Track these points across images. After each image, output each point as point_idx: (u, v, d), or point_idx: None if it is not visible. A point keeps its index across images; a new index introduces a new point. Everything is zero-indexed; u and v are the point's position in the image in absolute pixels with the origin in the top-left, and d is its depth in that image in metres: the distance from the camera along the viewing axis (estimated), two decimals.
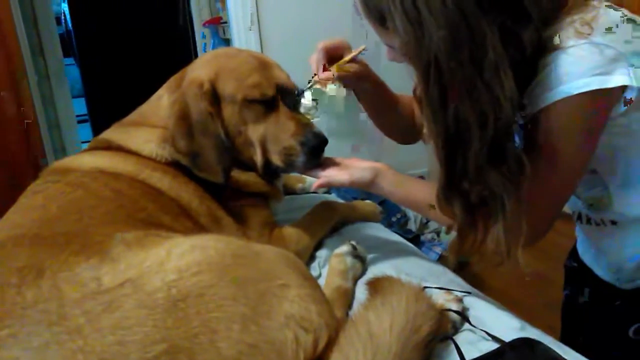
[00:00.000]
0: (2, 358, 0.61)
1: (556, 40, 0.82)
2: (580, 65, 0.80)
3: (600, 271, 1.15)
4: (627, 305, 1.08)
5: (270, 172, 1.17)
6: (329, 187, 1.39)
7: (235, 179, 1.15)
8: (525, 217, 0.84)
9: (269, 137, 1.13)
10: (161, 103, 1.16)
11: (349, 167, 1.10)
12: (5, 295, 0.67)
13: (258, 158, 1.14)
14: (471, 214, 0.87)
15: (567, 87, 0.80)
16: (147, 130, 1.13)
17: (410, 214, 2.47)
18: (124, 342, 0.61)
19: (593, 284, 1.16)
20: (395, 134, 1.36)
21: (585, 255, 1.21)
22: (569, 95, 0.80)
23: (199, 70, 1.14)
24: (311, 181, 1.62)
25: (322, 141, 1.12)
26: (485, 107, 0.77)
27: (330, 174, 1.10)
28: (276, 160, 1.13)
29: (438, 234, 2.60)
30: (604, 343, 1.06)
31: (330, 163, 1.12)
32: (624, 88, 0.82)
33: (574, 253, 1.26)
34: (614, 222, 1.01)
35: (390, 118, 1.29)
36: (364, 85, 1.20)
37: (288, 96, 1.16)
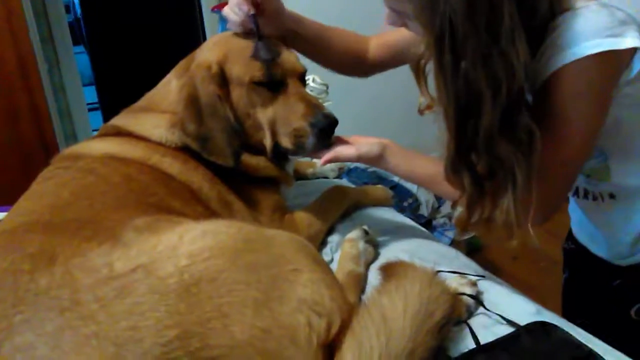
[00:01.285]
0: (17, 343, 0.61)
1: (565, 1, 0.80)
2: (590, 25, 0.78)
3: (596, 248, 1.14)
4: (627, 284, 1.08)
5: (279, 154, 1.16)
6: (337, 162, 1.38)
7: (245, 163, 1.14)
8: (536, 190, 0.83)
9: (278, 119, 1.11)
10: (170, 88, 1.16)
11: (356, 142, 1.10)
12: (18, 281, 0.67)
13: (267, 141, 1.13)
14: (480, 185, 0.86)
15: (578, 48, 0.78)
16: (156, 116, 1.13)
17: (422, 198, 2.46)
18: (137, 327, 0.61)
19: (591, 263, 1.15)
20: (335, 67, 1.33)
21: (581, 234, 1.20)
22: (580, 57, 0.78)
23: (207, 53, 1.14)
24: (322, 166, 1.62)
25: (332, 122, 1.10)
26: (499, 74, 0.76)
27: (337, 149, 1.09)
28: (285, 142, 1.12)
29: (450, 218, 2.59)
30: (605, 324, 1.05)
31: (337, 141, 1.12)
32: (633, 53, 0.80)
33: (570, 234, 1.25)
34: (612, 196, 1.00)
35: (328, 57, 1.29)
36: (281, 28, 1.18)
37: (297, 77, 1.15)
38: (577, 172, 0.93)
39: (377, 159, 1.08)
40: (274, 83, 1.11)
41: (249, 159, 1.15)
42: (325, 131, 1.10)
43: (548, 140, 0.82)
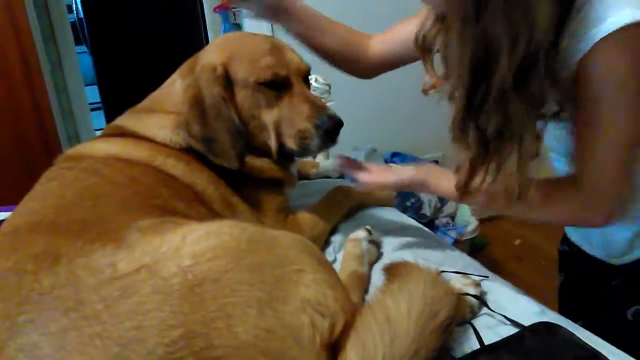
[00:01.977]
0: (21, 343, 0.61)
1: None
2: None
3: (590, 248, 1.12)
4: (623, 285, 1.06)
5: (284, 156, 1.16)
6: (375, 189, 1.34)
7: (249, 164, 1.14)
8: (588, 184, 0.82)
9: (283, 120, 1.12)
10: (174, 89, 1.16)
11: (394, 168, 1.09)
12: (22, 281, 0.67)
13: (272, 142, 1.13)
14: (485, 146, 0.84)
15: (608, 23, 0.75)
16: (160, 116, 1.13)
17: (425, 198, 2.46)
18: (141, 327, 0.61)
19: (586, 265, 1.14)
20: (330, 58, 1.29)
21: (575, 234, 1.18)
22: (611, 31, 0.74)
23: (212, 54, 1.14)
24: (325, 166, 1.62)
25: (337, 123, 1.10)
26: (520, 26, 0.74)
27: (375, 175, 1.08)
28: (290, 144, 1.12)
29: (453, 218, 2.59)
30: (602, 326, 1.02)
31: (356, 166, 1.11)
32: None
33: (564, 236, 1.23)
34: None
35: (324, 44, 1.25)
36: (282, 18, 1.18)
37: (302, 78, 1.15)
38: (623, 173, 0.86)
39: (421, 183, 1.07)
40: (279, 84, 1.11)
41: (253, 161, 1.15)
42: (329, 132, 1.10)
43: (588, 124, 0.80)
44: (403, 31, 1.19)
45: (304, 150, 1.13)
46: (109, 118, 1.23)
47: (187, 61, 1.19)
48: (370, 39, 1.28)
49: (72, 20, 4.31)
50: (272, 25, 2.57)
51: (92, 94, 4.45)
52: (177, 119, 1.10)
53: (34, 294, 0.65)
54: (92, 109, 4.22)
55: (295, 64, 1.14)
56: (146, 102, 1.21)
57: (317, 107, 1.11)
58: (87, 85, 4.14)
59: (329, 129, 1.09)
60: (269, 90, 1.10)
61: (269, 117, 1.12)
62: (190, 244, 0.70)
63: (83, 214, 0.86)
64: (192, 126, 1.07)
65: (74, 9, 4.55)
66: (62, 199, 0.90)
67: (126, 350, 0.60)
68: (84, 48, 4.59)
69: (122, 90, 3.41)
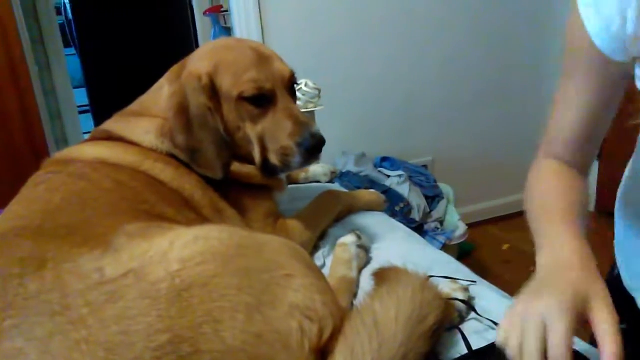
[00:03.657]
0: (6, 349, 0.61)
1: None
2: None
3: None
4: None
5: (268, 170, 1.15)
6: None
7: (237, 171, 1.14)
8: None
9: (266, 135, 1.11)
10: (162, 94, 1.15)
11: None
12: (8, 285, 0.66)
13: (257, 155, 1.13)
14: None
15: None
16: (147, 121, 1.12)
17: (414, 203, 2.46)
18: (128, 332, 0.61)
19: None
20: None
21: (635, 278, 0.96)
22: None
23: (199, 62, 1.13)
24: (314, 171, 1.62)
25: (319, 142, 1.09)
26: None
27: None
28: (274, 159, 1.12)
29: (441, 223, 2.59)
30: None
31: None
32: None
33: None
34: None
35: None
36: None
37: (287, 88, 1.15)
38: None
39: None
40: (263, 98, 1.10)
41: (240, 168, 1.15)
42: (311, 151, 1.09)
43: None
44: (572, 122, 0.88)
45: (286, 167, 1.12)
46: (98, 121, 1.22)
47: (174, 66, 1.19)
48: (576, 171, 0.90)
49: (61, 22, 4.29)
50: (262, 30, 2.58)
51: (81, 96, 4.43)
52: (163, 124, 1.09)
53: (19, 299, 0.64)
54: (81, 112, 4.20)
55: (280, 75, 1.13)
56: (134, 106, 1.20)
57: (300, 124, 1.10)
58: (75, 87, 4.12)
59: (310, 148, 1.09)
60: (252, 106, 1.10)
61: (253, 131, 1.11)
62: (178, 249, 0.70)
63: (70, 219, 0.85)
64: (176, 135, 1.07)
65: (63, 10, 4.53)
66: (49, 203, 0.90)
67: (112, 355, 0.59)
68: (72, 50, 4.56)
69: (111, 92, 3.40)
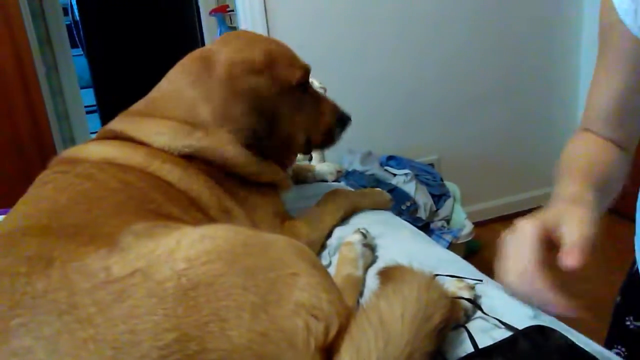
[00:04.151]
0: (14, 347, 0.61)
1: None
2: None
3: None
4: None
5: (309, 149, 1.30)
6: None
7: (248, 167, 1.15)
8: None
9: (311, 119, 1.21)
10: (181, 94, 1.15)
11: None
12: (15, 284, 0.67)
13: (300, 139, 1.22)
14: None
15: None
16: (159, 122, 1.12)
17: (420, 201, 2.46)
18: (135, 330, 0.61)
19: None
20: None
21: None
22: None
23: (239, 53, 1.14)
24: (320, 169, 1.62)
25: (347, 114, 1.28)
26: None
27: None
28: (317, 139, 1.25)
29: (448, 221, 2.59)
30: None
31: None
32: None
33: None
34: None
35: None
36: None
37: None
38: None
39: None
40: (305, 84, 1.19)
41: (250, 164, 1.15)
42: (346, 123, 1.27)
43: None
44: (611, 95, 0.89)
45: (330, 143, 1.28)
46: (105, 121, 1.22)
47: (190, 63, 1.18)
48: (608, 141, 0.92)
49: (68, 22, 4.31)
50: (268, 30, 2.59)
51: (88, 97, 4.45)
52: (177, 125, 1.10)
53: (27, 298, 0.65)
54: (88, 112, 4.22)
55: (306, 64, 1.21)
56: (142, 105, 1.20)
57: (329, 102, 1.26)
58: (82, 88, 4.14)
59: (346, 120, 1.27)
60: (301, 93, 1.18)
61: (300, 117, 1.20)
62: (185, 248, 0.70)
63: (77, 218, 0.86)
64: (252, 132, 1.11)
65: (70, 11, 4.55)
66: (56, 202, 0.90)
67: (120, 353, 0.60)
68: (79, 51, 4.59)
69: (118, 93, 3.41)
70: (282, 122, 1.16)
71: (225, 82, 1.11)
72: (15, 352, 0.61)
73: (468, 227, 2.61)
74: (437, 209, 2.59)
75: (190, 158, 1.09)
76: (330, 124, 1.24)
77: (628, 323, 1.10)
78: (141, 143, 1.09)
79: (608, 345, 0.99)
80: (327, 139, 1.26)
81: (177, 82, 1.17)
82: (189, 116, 1.12)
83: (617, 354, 1.07)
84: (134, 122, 1.14)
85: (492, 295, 0.97)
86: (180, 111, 1.12)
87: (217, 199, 1.10)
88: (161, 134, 1.10)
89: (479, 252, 2.94)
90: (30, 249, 0.73)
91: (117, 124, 1.16)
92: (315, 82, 1.83)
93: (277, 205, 1.21)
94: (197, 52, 1.21)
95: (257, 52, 1.14)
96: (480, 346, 0.81)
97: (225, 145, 1.11)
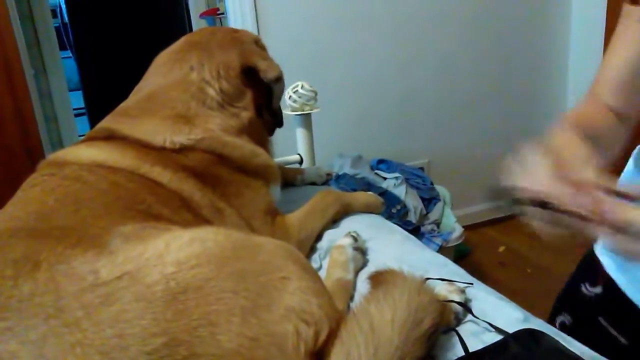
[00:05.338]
0: (0, 352, 0.60)
1: None
2: None
3: None
4: None
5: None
6: None
7: (244, 148, 1.18)
8: None
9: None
10: (184, 89, 1.17)
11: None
12: (1, 287, 0.66)
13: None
14: None
15: None
16: (153, 118, 1.11)
17: (410, 205, 2.46)
18: (123, 335, 0.60)
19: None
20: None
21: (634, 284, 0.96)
22: None
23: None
24: (309, 173, 1.62)
25: None
26: None
27: None
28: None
29: (438, 225, 2.59)
30: None
31: None
32: None
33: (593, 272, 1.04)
34: None
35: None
36: None
37: None
38: None
39: None
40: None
41: (242, 146, 1.18)
42: None
43: None
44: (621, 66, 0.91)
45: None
46: (93, 124, 1.20)
47: (194, 60, 1.25)
48: (607, 108, 0.93)
49: (57, 25, 4.28)
50: (258, 33, 2.58)
51: (76, 99, 4.42)
52: (173, 119, 1.11)
53: (13, 301, 0.64)
54: (76, 115, 4.19)
55: None
56: (136, 102, 1.18)
57: None
58: (71, 90, 4.11)
59: None
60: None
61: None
62: (174, 251, 0.70)
63: (65, 220, 0.85)
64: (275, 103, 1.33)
65: (59, 13, 4.52)
66: (44, 204, 0.89)
67: (107, 358, 0.59)
68: (68, 53, 4.56)
69: (107, 96, 3.38)
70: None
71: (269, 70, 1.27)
72: (1, 357, 0.60)
73: (458, 230, 2.61)
74: (427, 213, 2.60)
75: (187, 151, 1.09)
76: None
77: (583, 289, 1.08)
78: (136, 141, 1.08)
79: (552, 317, 1.01)
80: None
81: (183, 81, 1.20)
82: (182, 109, 1.13)
83: (562, 322, 1.10)
84: (131, 120, 1.13)
85: (482, 299, 0.97)
86: (173, 106, 1.12)
87: (209, 199, 1.09)
88: (161, 132, 1.09)
89: (469, 255, 2.95)
90: (16, 252, 0.72)
91: (111, 122, 1.14)
92: (305, 85, 1.83)
93: (268, 201, 1.20)
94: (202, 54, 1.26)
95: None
96: (471, 350, 0.81)
97: (221, 132, 1.15)
